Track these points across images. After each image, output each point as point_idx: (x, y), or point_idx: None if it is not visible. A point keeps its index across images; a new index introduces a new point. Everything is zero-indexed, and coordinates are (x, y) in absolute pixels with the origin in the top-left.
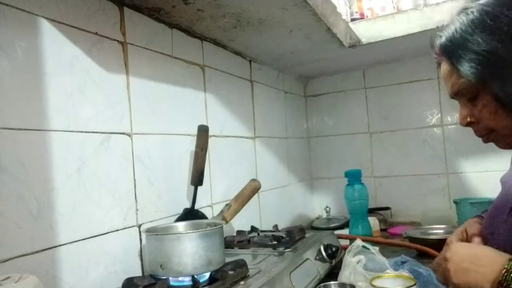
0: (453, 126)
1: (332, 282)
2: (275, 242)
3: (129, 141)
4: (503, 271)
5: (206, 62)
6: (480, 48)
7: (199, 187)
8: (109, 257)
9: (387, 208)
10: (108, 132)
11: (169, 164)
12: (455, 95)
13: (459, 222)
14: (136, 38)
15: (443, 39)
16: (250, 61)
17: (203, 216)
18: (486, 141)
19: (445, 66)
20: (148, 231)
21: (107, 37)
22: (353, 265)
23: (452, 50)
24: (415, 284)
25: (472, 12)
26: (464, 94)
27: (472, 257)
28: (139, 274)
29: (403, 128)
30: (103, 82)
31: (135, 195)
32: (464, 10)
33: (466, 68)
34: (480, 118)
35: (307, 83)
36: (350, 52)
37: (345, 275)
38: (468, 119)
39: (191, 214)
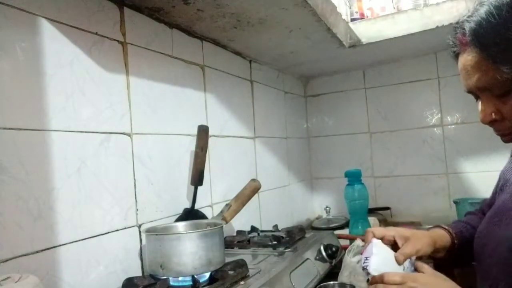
0: (453, 126)
1: (332, 282)
2: (275, 242)
3: (129, 141)
4: None
5: (206, 62)
6: None
7: (199, 187)
8: (109, 257)
9: (387, 208)
10: (108, 132)
11: (169, 164)
12: (479, 89)
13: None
14: (136, 38)
15: (473, 25)
16: (250, 61)
17: (203, 216)
18: (507, 140)
19: (470, 57)
20: (148, 231)
21: (107, 37)
22: (353, 265)
23: (486, 39)
24: None
25: None
26: (492, 89)
27: None
28: (139, 274)
29: (403, 128)
30: (103, 82)
31: (135, 195)
32: None
33: (505, 60)
34: (509, 115)
35: (307, 83)
36: (350, 52)
37: (345, 275)
38: (493, 116)
39: (191, 214)
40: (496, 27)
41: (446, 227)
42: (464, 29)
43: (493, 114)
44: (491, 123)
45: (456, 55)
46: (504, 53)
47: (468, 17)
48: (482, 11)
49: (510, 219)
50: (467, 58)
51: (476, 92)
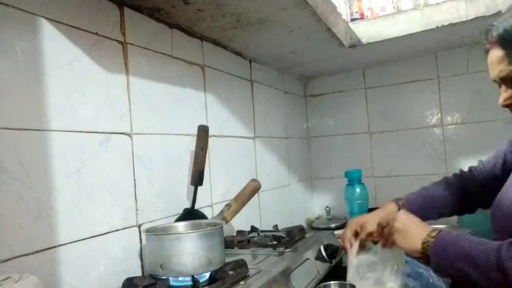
0: (453, 126)
1: (332, 282)
2: (275, 242)
3: (129, 141)
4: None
5: (206, 62)
6: None
7: (199, 187)
8: (109, 257)
9: None
10: (108, 132)
11: (169, 164)
12: (500, 79)
13: (459, 222)
14: (136, 38)
15: (501, 30)
16: (250, 61)
17: (203, 216)
18: None
19: (495, 53)
20: (148, 231)
21: (107, 37)
22: (354, 265)
23: (509, 41)
24: None
25: None
26: (510, 80)
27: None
28: (139, 274)
29: (403, 128)
30: (103, 82)
31: (135, 195)
32: None
33: None
34: None
35: (307, 83)
36: (350, 52)
37: (350, 274)
38: (510, 101)
39: (191, 214)
40: None
41: (400, 202)
42: (493, 32)
43: (509, 99)
44: (508, 106)
45: (487, 51)
46: None
47: (498, 22)
48: (510, 20)
49: None
50: (493, 54)
51: (498, 81)
